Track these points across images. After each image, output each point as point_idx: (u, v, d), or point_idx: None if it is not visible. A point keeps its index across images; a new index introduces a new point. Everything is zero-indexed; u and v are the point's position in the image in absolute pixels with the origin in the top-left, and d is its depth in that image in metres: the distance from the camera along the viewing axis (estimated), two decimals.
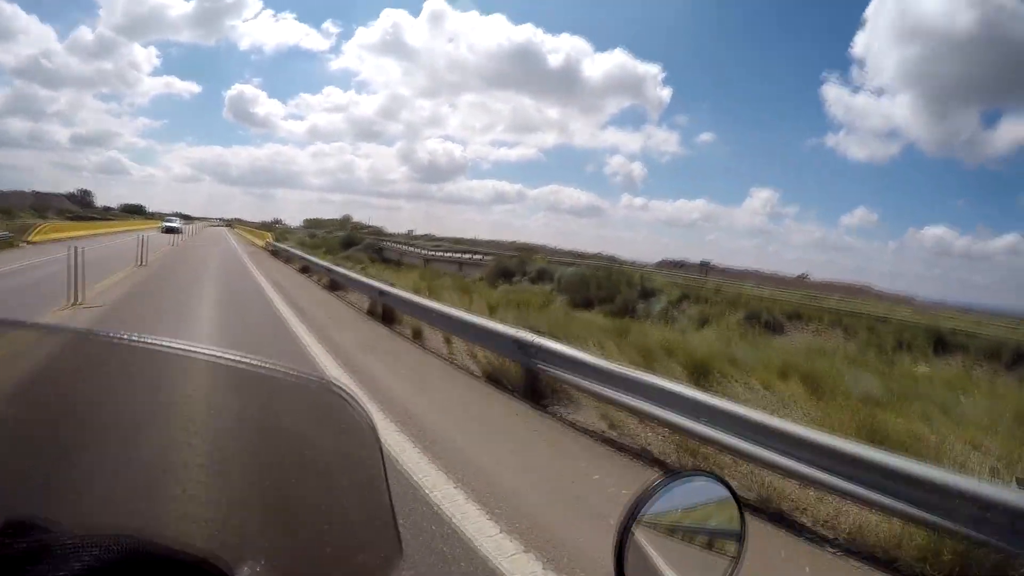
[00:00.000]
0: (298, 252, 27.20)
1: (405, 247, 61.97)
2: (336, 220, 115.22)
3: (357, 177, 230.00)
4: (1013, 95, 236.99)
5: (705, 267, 76.78)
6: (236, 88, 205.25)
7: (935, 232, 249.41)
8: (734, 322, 28.70)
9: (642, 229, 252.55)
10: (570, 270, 38.92)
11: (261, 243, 48.65)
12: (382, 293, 13.58)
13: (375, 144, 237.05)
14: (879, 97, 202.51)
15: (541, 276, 38.76)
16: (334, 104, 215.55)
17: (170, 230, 55.42)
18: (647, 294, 34.39)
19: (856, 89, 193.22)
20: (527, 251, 59.89)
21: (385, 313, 13.57)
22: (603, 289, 34.43)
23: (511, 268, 40.17)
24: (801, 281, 75.21)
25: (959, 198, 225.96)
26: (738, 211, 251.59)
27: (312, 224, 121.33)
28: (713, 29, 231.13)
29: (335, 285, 19.57)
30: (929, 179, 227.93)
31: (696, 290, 36.23)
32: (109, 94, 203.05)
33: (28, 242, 29.23)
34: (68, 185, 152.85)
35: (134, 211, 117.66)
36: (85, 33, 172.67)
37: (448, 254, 56.14)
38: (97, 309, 11.40)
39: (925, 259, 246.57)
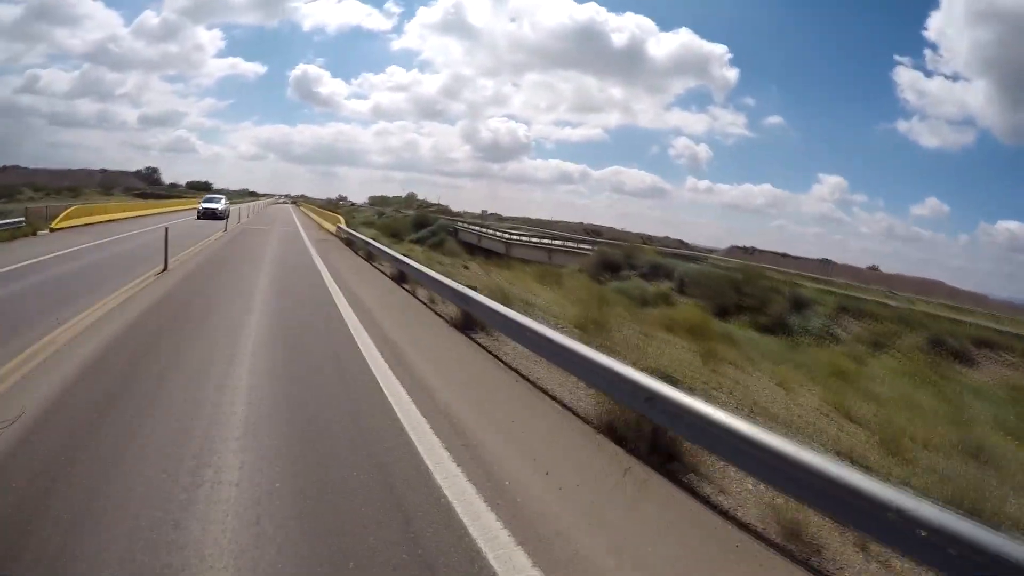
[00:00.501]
0: (388, 251, 20.05)
1: (480, 229, 55.66)
2: (400, 198, 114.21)
3: (419, 155, 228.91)
4: None
5: (750, 251, 76.70)
6: (300, 68, 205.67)
7: (1008, 226, 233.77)
8: (912, 346, 21.90)
9: (706, 213, 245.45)
10: (692, 267, 32.11)
11: (332, 227, 36.56)
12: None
13: (437, 123, 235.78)
14: (953, 82, 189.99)
15: (655, 272, 32.05)
16: (397, 83, 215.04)
17: (208, 214, 39.18)
18: (799, 304, 27.34)
19: (929, 73, 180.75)
20: (619, 240, 54.78)
21: None
22: (743, 294, 27.52)
23: (616, 261, 33.44)
24: (873, 273, 71.82)
25: None
26: (804, 197, 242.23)
27: (377, 202, 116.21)
28: (782, 9, 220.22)
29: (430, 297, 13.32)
30: (1003, 170, 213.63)
31: (855, 301, 29.12)
32: (175, 75, 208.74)
33: (52, 229, 23.81)
34: (137, 163, 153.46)
35: (201, 188, 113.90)
36: (150, 17, 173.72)
37: (531, 239, 49.58)
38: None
39: (996, 255, 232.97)
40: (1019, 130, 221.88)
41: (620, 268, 32.75)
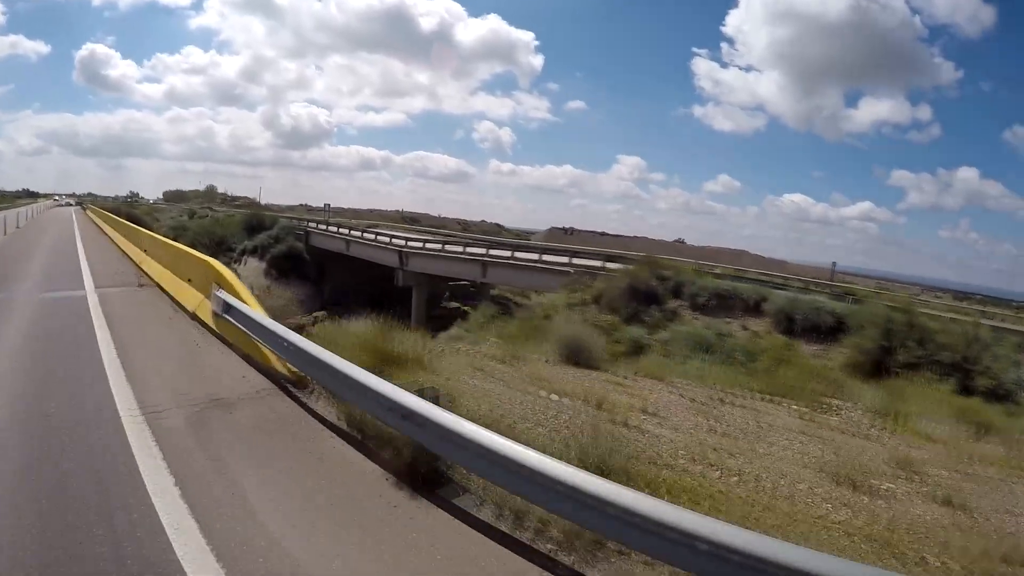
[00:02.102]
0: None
1: (348, 233, 40.08)
2: (199, 192, 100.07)
3: (217, 144, 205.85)
4: (875, 77, 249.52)
5: (569, 232, 73.68)
6: (87, 48, 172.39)
7: (793, 199, 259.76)
8: None
9: (509, 195, 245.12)
10: (784, 296, 20.27)
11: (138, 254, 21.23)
12: None
13: (236, 108, 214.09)
14: (747, 73, 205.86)
15: (722, 304, 20.09)
16: (193, 65, 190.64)
17: None
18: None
19: (725, 65, 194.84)
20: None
21: None
22: (901, 341, 16.17)
23: (649, 286, 20.56)
24: (680, 246, 71.35)
25: (817, 169, 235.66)
26: (605, 177, 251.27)
27: (173, 197, 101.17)
28: None
29: None
30: (790, 151, 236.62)
31: None
32: None
33: None
34: None
35: None
36: None
37: (438, 246, 34.54)
38: None
39: (783, 223, 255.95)
40: (805, 116, 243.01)
41: (657, 297, 20.12)
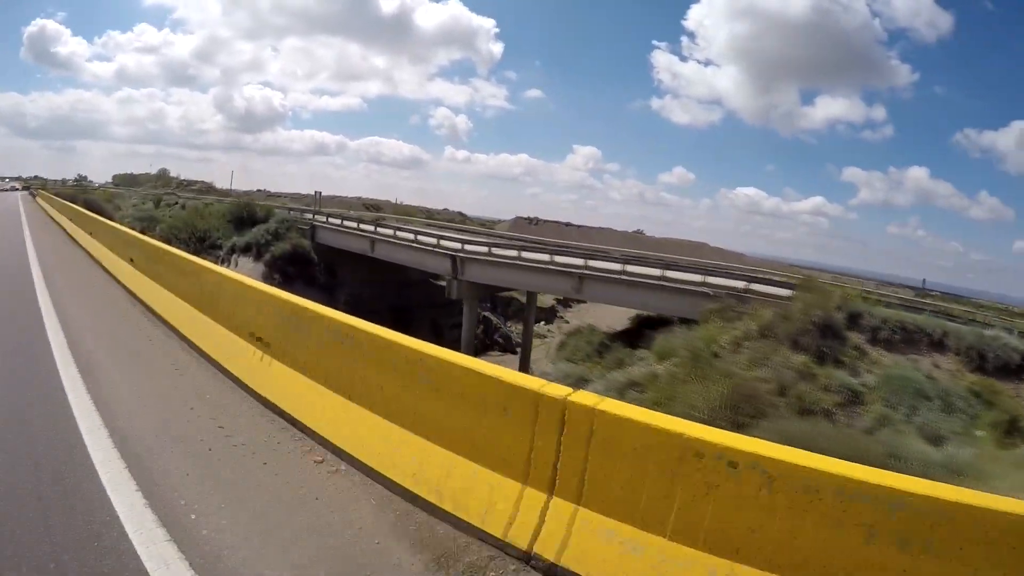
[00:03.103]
0: None
1: (372, 229, 33.89)
2: (151, 175, 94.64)
3: (168, 127, 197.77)
4: (831, 76, 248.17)
5: (534, 222, 71.28)
6: (36, 23, 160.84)
7: (746, 192, 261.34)
8: None
9: (463, 183, 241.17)
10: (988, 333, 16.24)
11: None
12: None
13: (188, 90, 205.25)
14: (707, 67, 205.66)
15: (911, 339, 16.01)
16: (146, 44, 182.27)
17: None
18: None
19: (685, 58, 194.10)
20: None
21: None
22: None
23: (829, 318, 16.00)
24: (639, 237, 73.41)
25: (771, 163, 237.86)
26: (560, 167, 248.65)
27: (124, 181, 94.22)
28: None
29: None
30: (745, 145, 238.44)
31: None
32: None
33: None
34: None
35: None
36: None
37: (513, 253, 27.59)
38: None
39: (735, 216, 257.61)
40: (761, 111, 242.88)
41: (835, 330, 15.68)
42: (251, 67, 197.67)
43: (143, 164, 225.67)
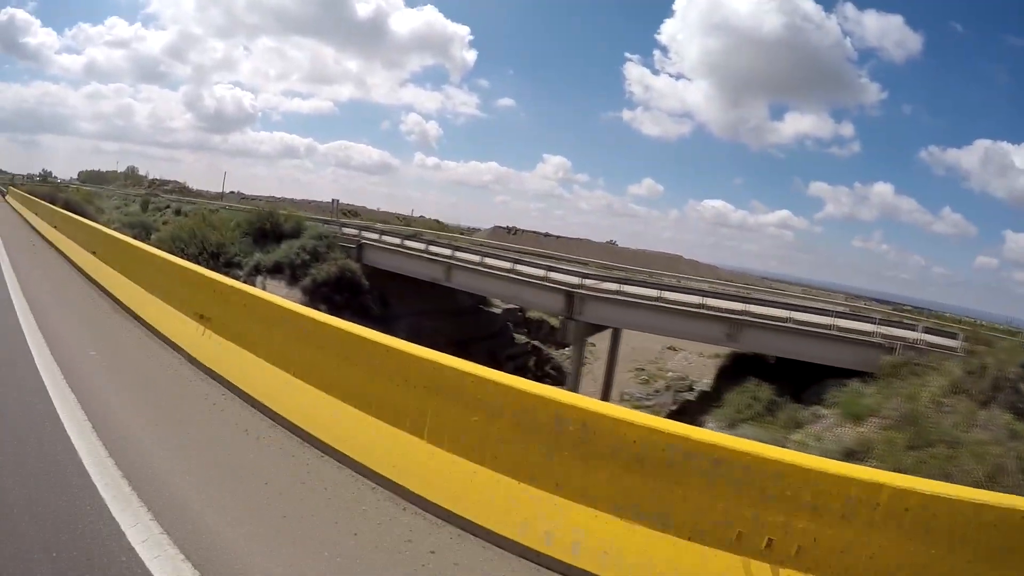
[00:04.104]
0: None
1: (451, 255, 27.28)
2: (118, 173, 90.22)
3: (135, 123, 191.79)
4: (801, 93, 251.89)
5: (512, 231, 69.69)
6: (5, 12, 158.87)
7: (714, 204, 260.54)
8: None
9: (432, 189, 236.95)
10: None
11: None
12: None
13: (158, 87, 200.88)
14: (678, 81, 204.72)
15: None
16: (117, 38, 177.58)
17: None
18: None
19: (657, 72, 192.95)
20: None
21: None
22: None
23: None
24: (612, 248, 72.44)
25: (739, 176, 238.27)
26: (529, 176, 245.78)
27: (91, 178, 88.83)
28: None
29: None
30: (714, 158, 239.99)
31: None
32: None
33: None
34: None
35: None
36: None
37: (653, 293, 23.02)
38: None
39: (703, 228, 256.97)
40: (730, 125, 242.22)
41: None
42: (223, 66, 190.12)
43: (109, 161, 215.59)
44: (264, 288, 25.18)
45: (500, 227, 72.13)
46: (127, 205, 44.54)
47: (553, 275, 24.76)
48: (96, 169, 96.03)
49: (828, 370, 17.93)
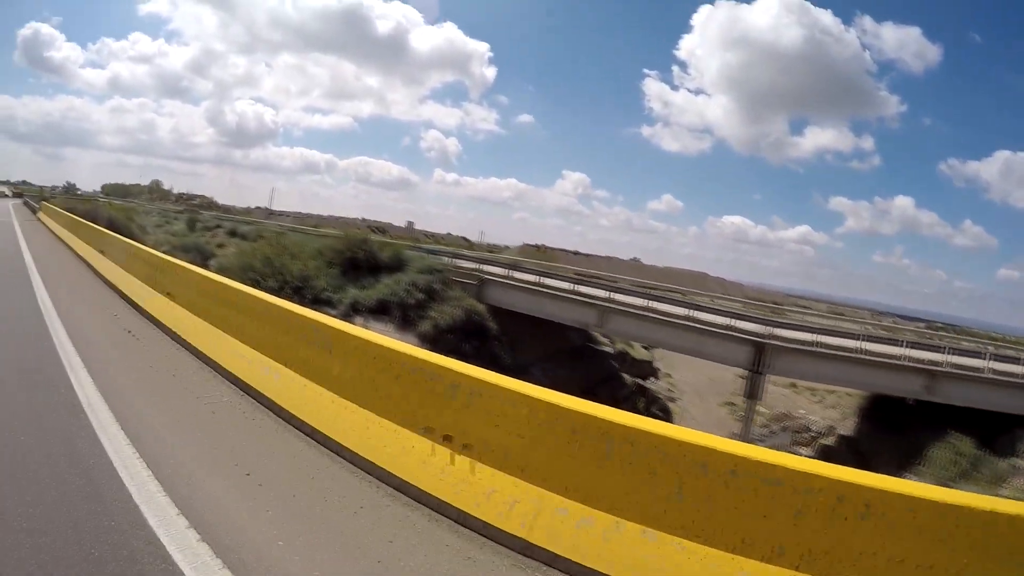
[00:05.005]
0: None
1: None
2: (142, 186, 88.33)
3: (158, 138, 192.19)
4: (821, 107, 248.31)
5: (541, 249, 65.39)
6: (31, 27, 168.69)
7: (733, 220, 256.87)
8: None
9: (451, 205, 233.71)
10: None
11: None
12: None
13: (180, 102, 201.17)
14: (697, 96, 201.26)
15: None
16: (140, 53, 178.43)
17: None
18: None
19: (676, 87, 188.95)
20: None
21: None
22: None
23: None
24: (637, 266, 68.97)
25: (758, 192, 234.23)
26: (548, 192, 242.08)
27: (114, 191, 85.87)
28: (545, 14, 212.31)
29: None
30: (734, 173, 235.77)
31: None
32: None
33: None
34: None
35: None
36: None
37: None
38: None
39: (722, 244, 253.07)
40: (750, 140, 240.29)
41: None
42: (244, 82, 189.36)
43: (132, 174, 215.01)
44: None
45: (529, 245, 67.99)
46: (168, 223, 39.09)
47: (738, 323, 21.17)
48: (120, 182, 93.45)
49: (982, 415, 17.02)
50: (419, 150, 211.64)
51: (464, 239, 75.50)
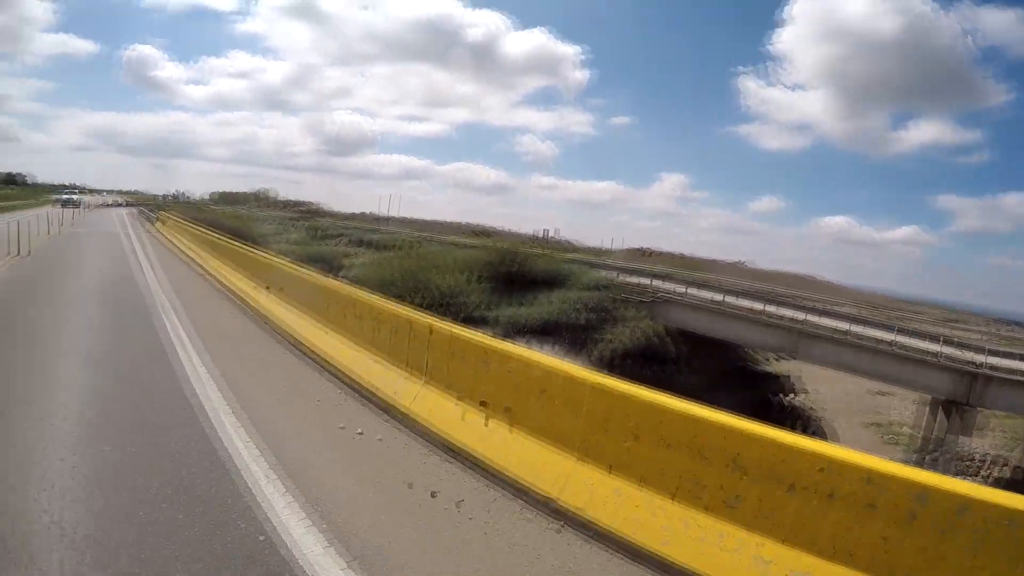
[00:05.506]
0: None
1: None
2: (248, 194, 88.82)
3: (260, 149, 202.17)
4: (925, 99, 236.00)
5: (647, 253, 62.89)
6: (136, 49, 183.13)
7: (836, 220, 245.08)
8: None
9: (549, 208, 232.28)
10: None
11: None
12: None
13: (280, 114, 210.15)
14: (795, 91, 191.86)
15: None
16: (239, 70, 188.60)
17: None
18: None
19: (773, 83, 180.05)
20: None
21: None
22: None
23: None
24: (741, 268, 64.45)
25: (861, 190, 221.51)
26: (646, 194, 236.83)
27: (222, 199, 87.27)
28: (636, 14, 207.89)
29: None
30: (835, 171, 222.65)
31: None
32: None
33: None
34: None
35: (11, 182, 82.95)
36: None
37: None
38: None
39: (826, 245, 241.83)
40: (851, 136, 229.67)
41: None
42: (341, 93, 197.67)
43: (237, 183, 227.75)
44: None
45: (635, 249, 64.99)
46: (285, 231, 38.24)
47: (947, 350, 18.99)
48: (227, 191, 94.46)
49: None
50: (515, 154, 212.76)
51: (568, 242, 72.86)
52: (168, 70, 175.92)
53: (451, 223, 69.27)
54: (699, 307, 19.76)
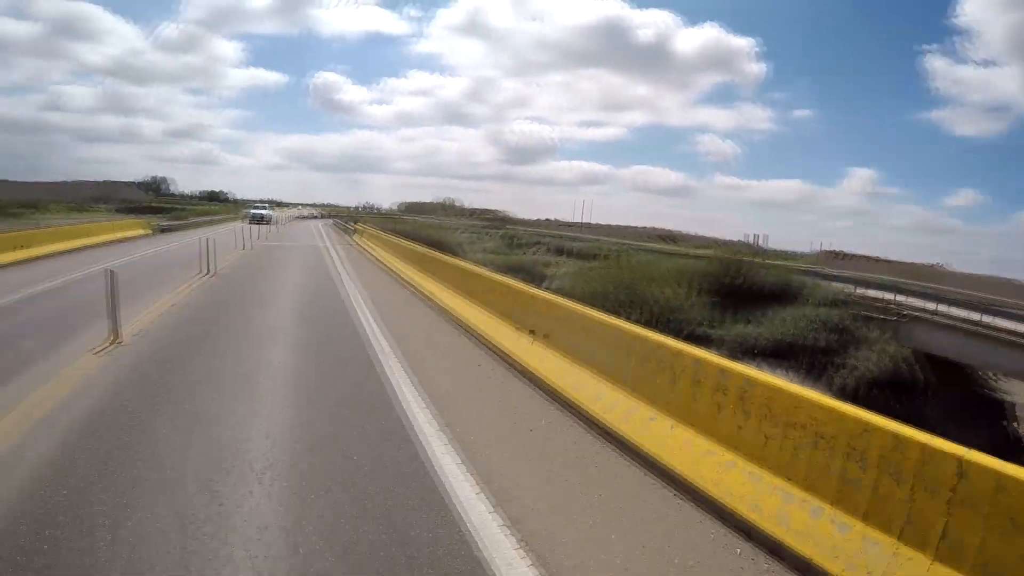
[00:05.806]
0: None
1: None
2: (435, 204, 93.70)
3: (443, 160, 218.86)
4: None
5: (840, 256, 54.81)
6: (320, 76, 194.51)
7: None
8: None
9: (733, 210, 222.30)
10: None
11: None
12: None
13: (461, 127, 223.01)
14: (986, 68, 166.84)
15: None
16: (419, 88, 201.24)
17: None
18: None
19: (961, 60, 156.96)
20: None
21: None
22: None
23: None
24: (938, 271, 51.66)
25: None
26: (833, 192, 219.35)
27: (410, 208, 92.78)
28: (809, 2, 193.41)
29: None
30: None
31: None
32: (198, 88, 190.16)
33: None
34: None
35: (214, 198, 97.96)
36: (169, 29, 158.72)
37: None
38: None
39: None
40: None
41: None
42: (517, 103, 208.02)
43: (423, 193, 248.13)
44: None
45: (828, 251, 58.54)
46: (479, 239, 39.85)
47: None
48: (415, 201, 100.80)
49: None
50: (695, 155, 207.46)
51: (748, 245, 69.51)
52: (352, 93, 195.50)
53: (635, 228, 69.12)
54: (954, 328, 18.02)
